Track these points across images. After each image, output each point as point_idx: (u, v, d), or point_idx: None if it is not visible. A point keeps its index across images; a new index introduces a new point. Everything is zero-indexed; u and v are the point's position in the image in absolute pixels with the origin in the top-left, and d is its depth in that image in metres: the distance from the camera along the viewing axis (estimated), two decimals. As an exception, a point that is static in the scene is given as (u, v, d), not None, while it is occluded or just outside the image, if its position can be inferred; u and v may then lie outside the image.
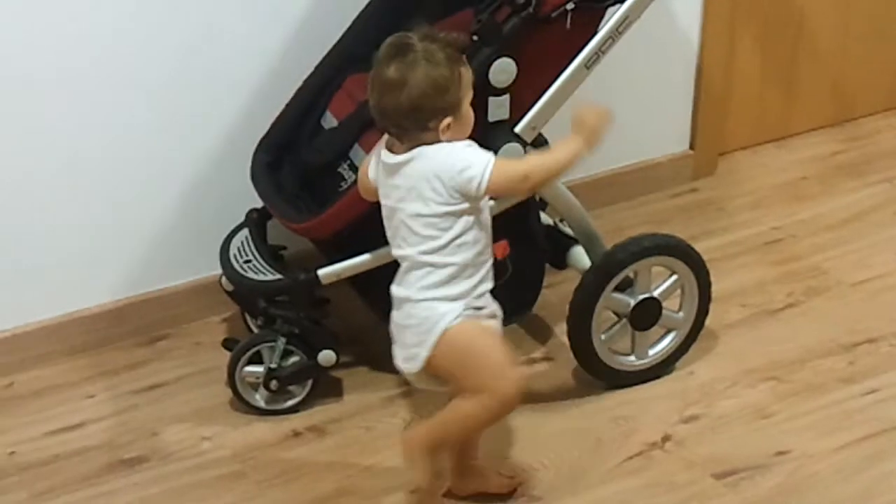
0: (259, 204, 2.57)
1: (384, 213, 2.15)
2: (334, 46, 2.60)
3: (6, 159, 2.53)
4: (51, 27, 2.45)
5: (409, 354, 2.14)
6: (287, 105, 2.59)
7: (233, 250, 2.53)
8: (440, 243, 2.07)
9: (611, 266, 2.45)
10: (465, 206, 2.06)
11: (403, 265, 2.12)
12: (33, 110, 2.51)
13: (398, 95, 2.01)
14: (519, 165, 2.12)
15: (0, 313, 2.64)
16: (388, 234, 2.15)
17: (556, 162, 2.12)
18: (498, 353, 2.13)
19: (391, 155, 2.08)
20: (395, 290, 2.14)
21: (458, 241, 2.08)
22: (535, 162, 2.12)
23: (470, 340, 2.11)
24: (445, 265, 2.08)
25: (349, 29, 2.59)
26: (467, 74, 2.07)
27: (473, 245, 2.09)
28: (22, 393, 2.62)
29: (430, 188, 2.04)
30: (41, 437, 2.48)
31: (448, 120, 2.04)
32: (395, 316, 2.16)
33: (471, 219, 2.08)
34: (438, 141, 2.05)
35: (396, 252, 2.13)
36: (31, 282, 2.65)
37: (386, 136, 2.11)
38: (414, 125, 2.04)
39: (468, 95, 2.08)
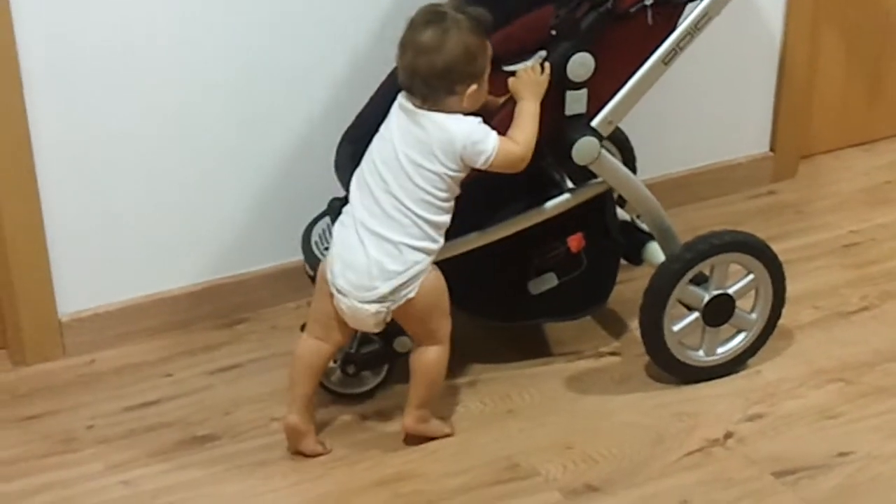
0: (342, 193, 2.61)
1: (376, 141, 2.30)
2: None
3: (95, 144, 2.60)
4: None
5: (368, 284, 2.26)
6: (372, 96, 2.61)
7: (314, 237, 2.57)
8: (431, 199, 2.25)
9: (689, 256, 2.46)
10: (461, 174, 2.26)
11: (388, 205, 2.25)
12: (117, 87, 2.58)
13: (434, 58, 2.21)
14: (515, 148, 2.27)
15: (84, 292, 2.71)
16: (373, 160, 2.28)
17: (533, 132, 2.28)
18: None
19: (413, 105, 2.26)
20: (370, 222, 2.26)
21: (445, 204, 2.27)
22: (524, 140, 2.28)
23: (443, 290, 2.32)
24: (431, 222, 2.26)
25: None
26: (490, 48, 2.27)
27: (450, 211, 2.29)
28: (102, 370, 2.69)
29: (441, 150, 2.23)
30: (119, 412, 2.55)
31: (474, 87, 2.24)
32: (359, 241, 2.26)
33: (455, 188, 2.27)
34: (460, 107, 2.25)
35: (379, 184, 2.26)
36: (115, 263, 2.72)
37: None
38: (443, 87, 2.23)
39: (489, 67, 2.27)
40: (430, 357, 2.36)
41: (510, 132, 2.27)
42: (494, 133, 2.25)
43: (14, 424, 2.52)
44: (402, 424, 2.41)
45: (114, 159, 2.63)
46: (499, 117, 2.30)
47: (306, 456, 2.39)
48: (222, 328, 2.81)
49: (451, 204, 2.29)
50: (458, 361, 2.63)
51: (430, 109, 2.25)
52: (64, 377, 2.66)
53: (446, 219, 2.29)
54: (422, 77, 2.23)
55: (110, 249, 2.71)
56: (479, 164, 2.24)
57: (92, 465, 2.40)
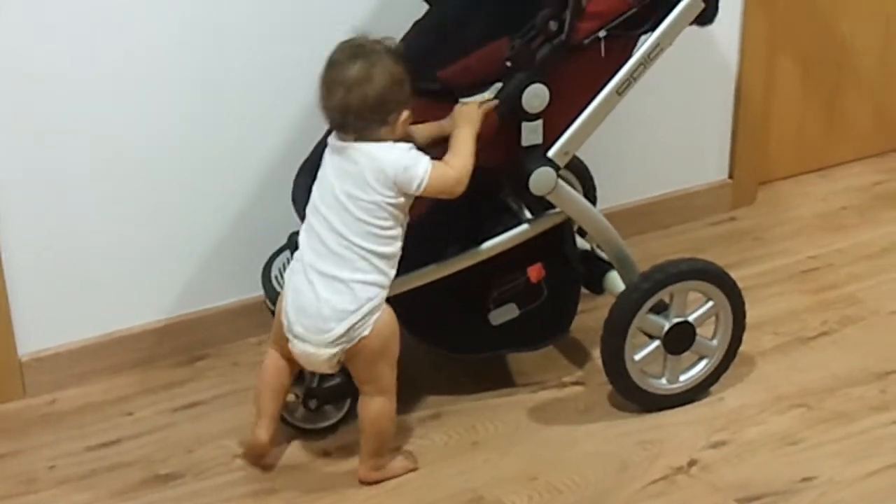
0: (300, 227, 2.62)
1: (316, 184, 2.31)
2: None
3: (54, 181, 2.59)
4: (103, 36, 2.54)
5: (322, 327, 2.26)
6: (327, 130, 2.63)
7: (274, 272, 2.57)
8: (375, 230, 2.25)
9: (647, 286, 2.48)
10: (401, 200, 2.25)
11: (334, 243, 2.25)
12: (78, 126, 2.57)
13: (366, 90, 2.22)
14: (450, 171, 2.27)
15: (45, 331, 2.69)
16: (315, 204, 2.29)
17: (468, 157, 2.29)
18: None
19: (340, 141, 2.27)
20: (318, 263, 2.26)
21: (390, 233, 2.26)
22: (460, 164, 2.28)
23: (395, 331, 2.32)
24: (378, 253, 2.26)
25: (388, 56, 2.64)
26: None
27: (398, 240, 2.29)
28: (64, 409, 2.67)
29: (375, 178, 2.23)
30: (81, 451, 2.53)
31: (406, 113, 2.27)
32: (308, 285, 2.26)
33: (400, 216, 2.27)
34: (392, 135, 2.26)
35: (323, 224, 2.26)
36: (75, 302, 2.71)
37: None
38: (377, 119, 2.24)
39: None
40: (376, 408, 2.35)
41: (446, 157, 2.28)
42: (426, 158, 2.26)
43: (-26, 466, 2.50)
44: (358, 475, 2.40)
45: (73, 196, 2.62)
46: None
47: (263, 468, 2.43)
48: (184, 365, 2.79)
49: (398, 233, 2.28)
50: (421, 394, 2.64)
51: (361, 142, 2.26)
52: (24, 417, 2.64)
53: (395, 249, 2.28)
54: (355, 112, 2.23)
55: (70, 288, 2.69)
56: (413, 189, 2.24)
57: (53, 507, 2.38)
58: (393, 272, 2.29)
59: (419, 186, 2.24)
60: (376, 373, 2.32)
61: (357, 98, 2.22)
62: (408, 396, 2.63)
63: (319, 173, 2.32)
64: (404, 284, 2.41)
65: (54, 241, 2.64)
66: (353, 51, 2.26)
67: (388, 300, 2.44)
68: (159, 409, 2.65)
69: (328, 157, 2.31)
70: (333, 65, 2.25)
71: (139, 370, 2.77)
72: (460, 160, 2.28)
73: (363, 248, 2.25)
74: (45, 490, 2.42)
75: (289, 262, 2.58)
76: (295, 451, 2.50)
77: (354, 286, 2.25)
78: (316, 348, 2.27)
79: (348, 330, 2.25)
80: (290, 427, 2.52)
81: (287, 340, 2.33)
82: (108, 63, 2.56)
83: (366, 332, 2.27)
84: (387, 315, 2.30)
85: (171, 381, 2.74)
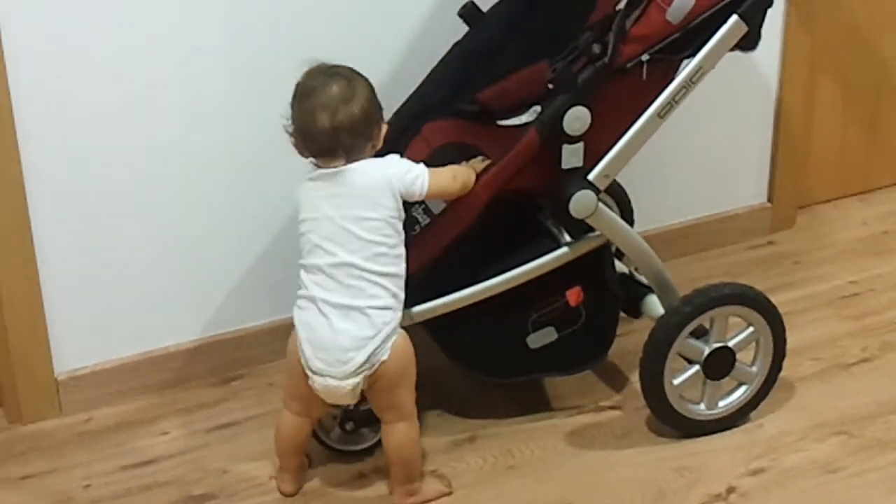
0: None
1: (306, 227, 2.28)
2: (411, 96, 2.63)
3: (92, 201, 2.60)
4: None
5: (342, 359, 2.24)
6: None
7: None
8: (384, 250, 2.24)
9: (688, 310, 2.46)
10: (400, 215, 2.26)
11: (343, 275, 2.23)
12: (116, 146, 2.58)
13: (352, 108, 2.22)
14: (445, 170, 2.31)
15: (80, 351, 2.70)
16: (313, 244, 2.26)
17: (469, 174, 2.33)
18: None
19: (328, 168, 2.25)
20: (329, 296, 2.24)
21: (397, 251, 2.26)
22: (456, 167, 2.33)
23: (412, 354, 2.31)
24: (388, 275, 2.25)
25: (427, 79, 2.63)
26: None
27: (403, 259, 2.28)
28: (99, 428, 2.67)
29: (380, 194, 2.23)
30: (115, 471, 2.53)
31: (385, 126, 2.29)
32: (324, 319, 2.24)
33: (401, 233, 2.27)
34: (373, 151, 2.27)
35: (327, 260, 2.24)
36: (111, 321, 2.71)
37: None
38: (365, 134, 2.24)
39: None
40: (400, 436, 2.34)
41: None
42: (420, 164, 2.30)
43: (10, 484, 2.50)
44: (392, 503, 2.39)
45: (110, 216, 2.63)
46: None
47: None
48: (218, 385, 2.79)
49: (403, 252, 2.28)
50: (457, 416, 2.63)
51: (348, 162, 2.25)
52: (60, 436, 2.64)
53: (402, 268, 2.28)
54: (346, 131, 2.22)
55: (106, 307, 2.70)
56: (417, 191, 2.25)
57: (87, 527, 2.39)
58: (402, 294, 2.28)
59: (422, 186, 2.26)
60: (397, 399, 2.31)
61: (346, 118, 2.21)
62: (443, 419, 2.64)
63: (305, 214, 2.29)
64: (442, 308, 2.40)
65: (91, 261, 2.65)
66: (326, 73, 2.25)
67: (425, 324, 2.44)
68: (194, 430, 2.65)
69: (315, 192, 2.27)
70: (312, 91, 2.23)
71: (174, 390, 2.77)
72: (459, 168, 2.33)
73: (375, 273, 2.23)
74: (79, 510, 2.43)
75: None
76: (330, 473, 2.49)
77: (370, 312, 2.24)
78: (338, 381, 2.25)
79: (369, 357, 2.24)
80: (326, 448, 2.51)
81: (300, 397, 2.33)
82: (146, 81, 2.56)
83: (385, 357, 2.26)
84: (403, 339, 2.29)
85: (205, 401, 2.74)
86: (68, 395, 2.69)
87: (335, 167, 2.25)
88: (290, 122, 2.28)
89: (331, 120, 2.21)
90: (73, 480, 2.50)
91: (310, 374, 2.28)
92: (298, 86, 2.26)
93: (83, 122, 2.54)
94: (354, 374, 2.25)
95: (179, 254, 2.72)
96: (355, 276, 2.23)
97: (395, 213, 2.25)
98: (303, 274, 2.29)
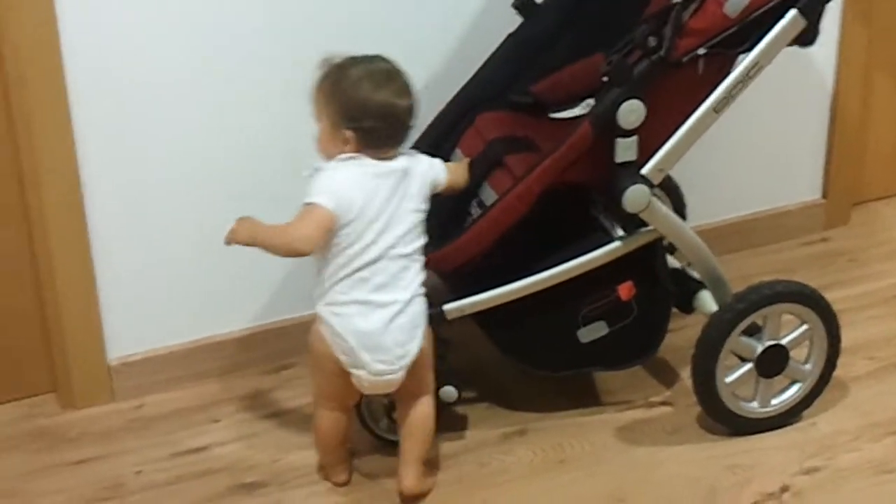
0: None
1: (369, 224, 2.23)
2: (465, 85, 2.64)
3: (147, 189, 2.62)
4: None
5: (401, 353, 2.26)
6: (417, 140, 2.63)
7: None
8: (423, 240, 2.30)
9: (742, 307, 2.44)
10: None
11: (397, 267, 2.25)
12: (168, 135, 2.60)
13: (411, 99, 2.26)
14: (450, 165, 2.41)
15: (133, 337, 2.71)
16: (367, 242, 2.23)
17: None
18: None
19: (390, 162, 2.26)
20: (377, 297, 2.24)
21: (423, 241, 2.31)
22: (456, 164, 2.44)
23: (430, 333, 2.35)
24: (421, 262, 2.30)
25: (480, 69, 2.63)
26: None
27: None
28: (151, 415, 2.69)
29: (428, 186, 2.31)
30: (167, 458, 2.54)
31: None
32: (378, 321, 2.24)
33: None
34: None
35: (381, 254, 2.23)
36: (164, 309, 2.73)
37: (349, 154, 2.25)
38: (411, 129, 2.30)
39: None
40: (427, 408, 2.36)
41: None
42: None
43: (62, 468, 2.52)
44: (403, 487, 2.36)
45: (165, 204, 2.64)
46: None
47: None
48: (270, 374, 2.80)
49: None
50: (507, 409, 2.63)
51: (398, 155, 2.29)
52: (112, 422, 2.66)
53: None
54: (411, 117, 2.28)
55: (159, 295, 2.71)
56: (441, 181, 2.34)
57: (139, 512, 2.40)
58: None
59: (443, 178, 2.34)
60: (427, 376, 2.36)
61: (411, 107, 2.27)
62: (492, 412, 2.64)
63: (368, 212, 2.23)
64: (493, 300, 2.40)
65: (145, 249, 2.66)
66: (387, 66, 2.27)
67: (476, 316, 2.45)
68: (245, 418, 2.66)
69: (381, 185, 2.24)
70: (386, 78, 2.25)
71: (225, 378, 2.78)
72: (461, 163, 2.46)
73: (420, 262, 2.29)
74: (131, 495, 2.44)
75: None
76: (378, 462, 2.49)
77: (416, 301, 2.28)
78: (395, 374, 2.28)
79: (419, 344, 2.28)
80: (375, 437, 2.52)
81: (335, 395, 2.34)
82: (197, 69, 2.57)
83: (424, 341, 2.30)
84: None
85: (257, 389, 2.75)
86: (121, 382, 2.71)
87: (392, 158, 2.27)
88: (348, 111, 2.22)
89: (410, 106, 2.26)
90: (125, 466, 2.52)
91: (371, 377, 2.27)
92: (361, 75, 2.22)
93: (137, 112, 2.55)
94: (408, 363, 2.27)
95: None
96: (405, 264, 2.26)
97: (425, 204, 2.32)
98: (341, 272, 2.25)
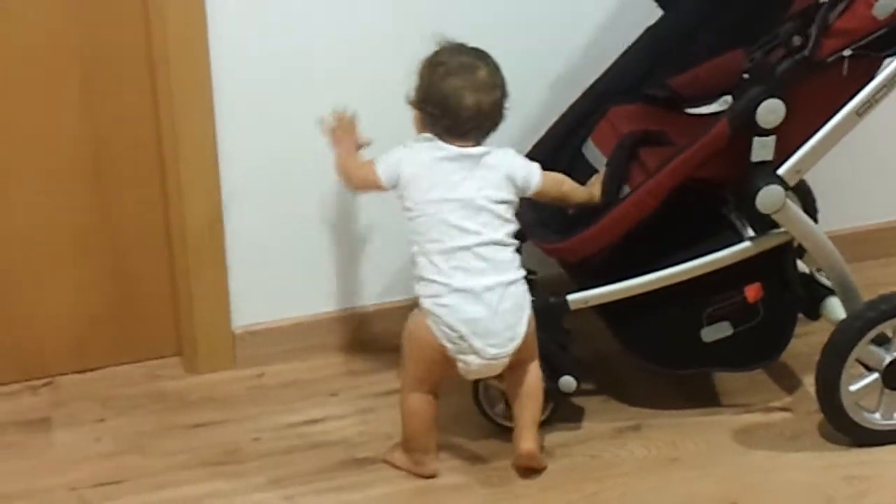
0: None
1: (437, 207, 2.27)
2: (601, 77, 2.62)
3: (278, 163, 2.65)
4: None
5: (511, 335, 2.30)
6: (549, 129, 2.62)
7: None
8: (512, 228, 2.31)
9: (872, 315, 2.39)
10: (516, 198, 2.33)
11: (491, 253, 2.28)
12: (301, 115, 2.58)
13: (496, 94, 2.28)
14: (557, 175, 2.40)
15: (258, 307, 2.76)
16: (463, 230, 2.27)
17: (575, 190, 2.43)
18: None
19: (468, 148, 2.29)
20: (481, 281, 2.27)
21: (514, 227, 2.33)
22: (566, 178, 2.42)
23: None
24: (517, 249, 2.32)
25: (617, 61, 2.61)
26: None
27: None
28: (271, 384, 2.73)
29: (507, 180, 2.30)
30: (284, 427, 2.58)
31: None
32: (485, 307, 2.27)
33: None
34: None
35: (473, 240, 2.27)
36: (290, 281, 2.76)
37: (427, 135, 2.31)
38: (496, 122, 2.32)
39: None
40: (538, 372, 2.40)
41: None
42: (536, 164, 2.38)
43: (183, 431, 2.57)
44: (523, 451, 2.38)
45: (296, 178, 2.68)
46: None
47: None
48: (389, 352, 2.79)
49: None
50: (623, 403, 2.62)
51: (477, 146, 2.31)
52: (233, 388, 2.71)
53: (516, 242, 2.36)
54: (487, 116, 2.28)
55: (286, 268, 2.75)
56: (531, 190, 2.34)
57: (255, 478, 2.44)
58: None
59: (536, 187, 2.34)
60: (533, 344, 2.38)
61: (490, 103, 2.28)
62: (608, 405, 2.63)
63: (438, 194, 2.28)
64: (618, 293, 2.39)
65: (275, 220, 2.70)
66: (473, 54, 2.29)
67: (599, 309, 2.45)
68: (362, 393, 2.69)
69: (452, 173, 2.28)
70: (461, 69, 2.27)
71: (345, 353, 2.81)
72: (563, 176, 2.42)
73: (514, 248, 2.31)
74: (247, 461, 2.48)
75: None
76: (491, 446, 2.50)
77: (519, 283, 2.31)
78: (507, 356, 2.31)
79: (527, 324, 2.31)
80: (490, 422, 2.53)
81: (429, 380, 2.36)
82: (327, 57, 2.60)
83: (525, 328, 2.33)
84: None
85: (375, 366, 2.77)
86: (243, 350, 2.76)
87: (468, 147, 2.28)
88: (420, 92, 2.30)
89: (478, 103, 2.26)
90: (243, 433, 2.56)
91: (483, 361, 2.30)
92: (440, 62, 2.29)
93: (271, 90, 2.59)
94: (519, 344, 2.30)
95: (359, 221, 2.76)
96: (500, 251, 2.29)
97: (513, 197, 2.32)
98: (437, 261, 2.29)
